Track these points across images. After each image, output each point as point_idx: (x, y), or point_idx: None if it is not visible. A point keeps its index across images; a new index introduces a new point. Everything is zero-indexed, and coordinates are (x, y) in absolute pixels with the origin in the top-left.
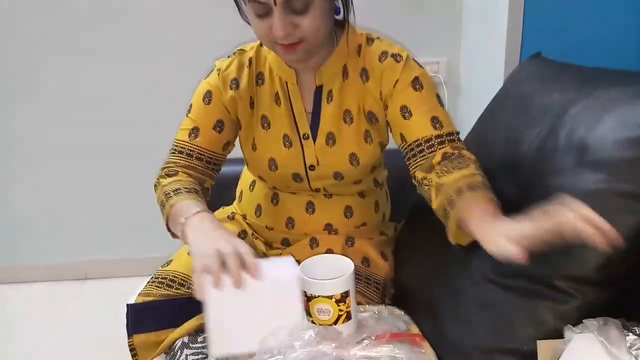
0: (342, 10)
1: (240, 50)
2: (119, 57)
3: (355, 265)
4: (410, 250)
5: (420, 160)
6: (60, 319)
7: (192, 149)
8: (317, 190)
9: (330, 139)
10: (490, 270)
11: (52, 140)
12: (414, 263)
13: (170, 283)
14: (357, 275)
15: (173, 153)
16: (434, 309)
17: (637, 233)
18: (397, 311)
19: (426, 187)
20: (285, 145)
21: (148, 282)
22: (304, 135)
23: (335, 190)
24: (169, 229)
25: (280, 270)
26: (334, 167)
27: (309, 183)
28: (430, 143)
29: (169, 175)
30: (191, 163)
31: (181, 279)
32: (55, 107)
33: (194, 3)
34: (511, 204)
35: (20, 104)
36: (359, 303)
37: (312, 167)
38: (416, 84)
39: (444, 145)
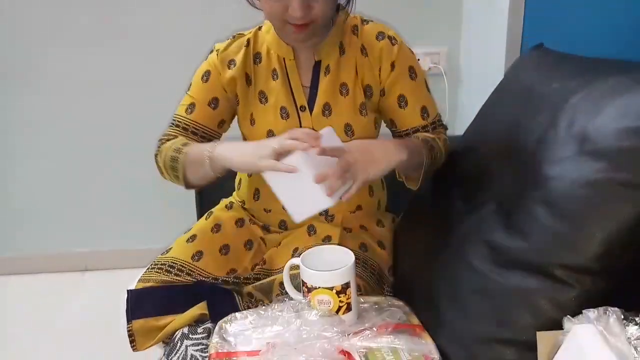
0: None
1: (239, 34)
2: (118, 49)
3: (352, 250)
4: (408, 239)
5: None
6: (60, 310)
7: (188, 123)
8: None
9: (327, 109)
10: (488, 258)
11: (52, 132)
12: (412, 252)
13: (169, 269)
14: (355, 258)
15: (171, 126)
16: (433, 298)
17: (636, 222)
18: (397, 302)
19: None
20: (282, 117)
21: (147, 268)
22: (301, 107)
23: None
24: (186, 181)
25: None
26: None
27: None
28: (417, 130)
29: (170, 140)
30: (187, 136)
31: (180, 265)
32: (55, 97)
33: None
34: (513, 192)
35: (20, 94)
36: (357, 286)
37: None
38: (412, 72)
39: (427, 131)
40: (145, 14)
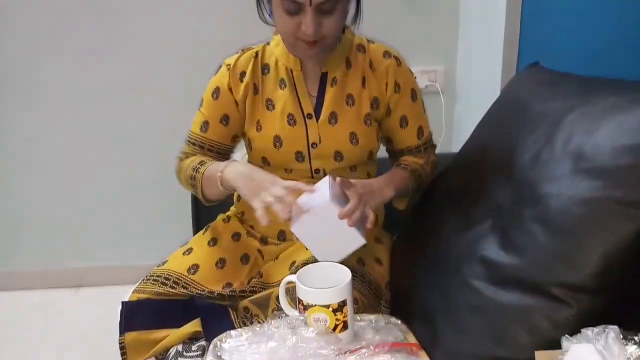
0: (357, 14)
1: (247, 47)
2: (118, 61)
3: (350, 264)
4: (405, 256)
5: (395, 158)
6: (54, 326)
7: (203, 141)
8: (317, 171)
9: (333, 117)
10: (484, 276)
11: (48, 147)
12: (409, 268)
13: (164, 281)
14: (353, 272)
15: (187, 144)
16: (429, 315)
17: (634, 240)
18: (394, 320)
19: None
20: (289, 123)
21: (142, 279)
22: (307, 114)
23: (335, 169)
24: (205, 199)
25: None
26: (335, 145)
27: (310, 162)
28: (411, 150)
29: (188, 157)
30: (204, 153)
31: (176, 278)
32: (52, 113)
33: (193, 4)
34: (509, 210)
35: (17, 109)
36: (355, 300)
37: (314, 145)
38: (413, 94)
39: (419, 151)
40: (143, 25)
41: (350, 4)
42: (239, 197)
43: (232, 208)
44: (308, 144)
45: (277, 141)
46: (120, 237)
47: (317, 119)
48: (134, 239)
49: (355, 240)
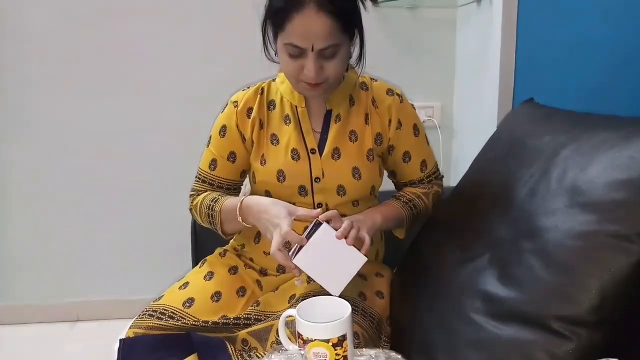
0: (360, 56)
1: (253, 86)
2: (117, 98)
3: (351, 298)
4: (405, 290)
5: (399, 189)
6: None
7: (212, 178)
8: (320, 205)
9: (336, 153)
10: (484, 310)
11: (45, 182)
12: (409, 303)
13: (160, 315)
14: (354, 307)
15: (197, 181)
16: (429, 349)
17: (629, 274)
18: (394, 355)
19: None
20: (293, 158)
21: (139, 315)
22: (311, 150)
23: (338, 204)
24: (225, 234)
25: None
26: (337, 180)
27: (312, 197)
28: (414, 183)
29: (199, 194)
30: (214, 191)
31: (171, 312)
32: (50, 150)
33: (196, 43)
34: (507, 243)
35: (16, 146)
36: (355, 333)
37: (317, 179)
38: (416, 130)
39: (423, 183)
40: (144, 63)
41: (354, 47)
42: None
43: (232, 241)
44: (311, 178)
45: (281, 175)
46: (118, 271)
47: (321, 154)
48: (132, 272)
49: (356, 258)
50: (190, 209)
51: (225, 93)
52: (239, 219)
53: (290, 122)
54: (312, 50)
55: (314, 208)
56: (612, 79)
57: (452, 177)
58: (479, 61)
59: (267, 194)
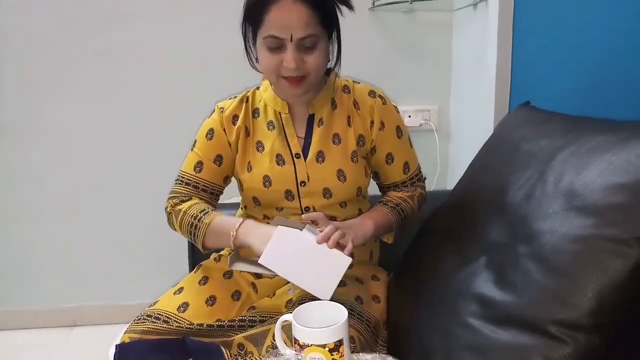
0: (335, 57)
1: (237, 95)
2: (116, 102)
3: (348, 302)
4: (401, 294)
5: (384, 191)
6: None
7: (197, 181)
8: (307, 209)
9: (320, 156)
10: (480, 314)
11: (41, 186)
12: (406, 307)
13: (154, 320)
14: (351, 311)
15: (180, 183)
16: (427, 354)
17: (627, 277)
18: (391, 359)
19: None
20: (278, 164)
21: (134, 320)
22: (295, 154)
23: (325, 205)
24: (204, 247)
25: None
26: (323, 183)
27: (299, 201)
28: (397, 185)
29: (184, 201)
30: (197, 194)
31: (166, 316)
32: (47, 155)
33: (194, 48)
34: (504, 247)
35: (15, 151)
36: (351, 337)
37: (303, 183)
38: (398, 131)
39: (406, 185)
40: (143, 67)
41: (332, 44)
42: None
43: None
44: (297, 182)
45: (267, 181)
46: (115, 276)
47: (305, 159)
48: (129, 278)
49: (341, 260)
50: (169, 212)
51: (226, 97)
52: (232, 234)
53: (274, 128)
54: (291, 40)
55: (302, 212)
56: (608, 83)
57: (449, 180)
58: (476, 65)
59: (255, 200)
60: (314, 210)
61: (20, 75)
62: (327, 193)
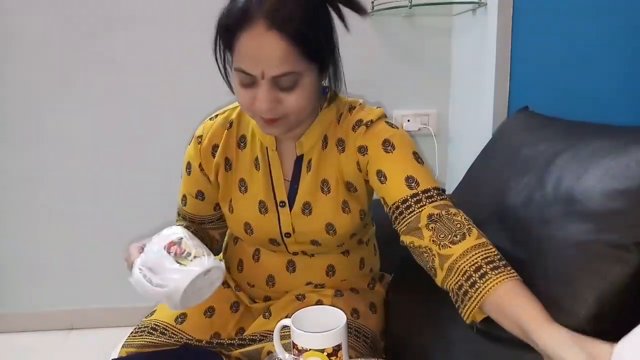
0: (330, 88)
1: (222, 112)
2: (116, 104)
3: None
4: (400, 301)
5: (403, 224)
6: None
7: (185, 214)
8: (296, 253)
9: (307, 208)
10: (482, 321)
11: (40, 189)
12: (405, 315)
13: (151, 331)
14: (347, 327)
15: (178, 215)
16: None
17: (626, 283)
18: None
19: (425, 255)
20: (260, 212)
21: (130, 333)
22: (280, 202)
23: (316, 251)
24: None
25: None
26: (310, 236)
27: (286, 247)
28: (408, 204)
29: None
30: (191, 225)
31: (163, 328)
32: (45, 157)
33: (193, 51)
34: (503, 252)
35: (12, 152)
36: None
37: (287, 235)
38: (387, 145)
39: (423, 205)
40: (141, 70)
41: (325, 75)
42: (225, 249)
43: (221, 256)
44: (281, 232)
45: (248, 228)
46: (113, 279)
47: (291, 208)
48: (127, 280)
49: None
50: None
51: (224, 101)
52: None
53: (259, 169)
54: (263, 77)
55: (291, 257)
56: (606, 88)
57: (447, 185)
58: (475, 69)
59: (239, 240)
60: (304, 252)
61: (19, 76)
62: (315, 243)
